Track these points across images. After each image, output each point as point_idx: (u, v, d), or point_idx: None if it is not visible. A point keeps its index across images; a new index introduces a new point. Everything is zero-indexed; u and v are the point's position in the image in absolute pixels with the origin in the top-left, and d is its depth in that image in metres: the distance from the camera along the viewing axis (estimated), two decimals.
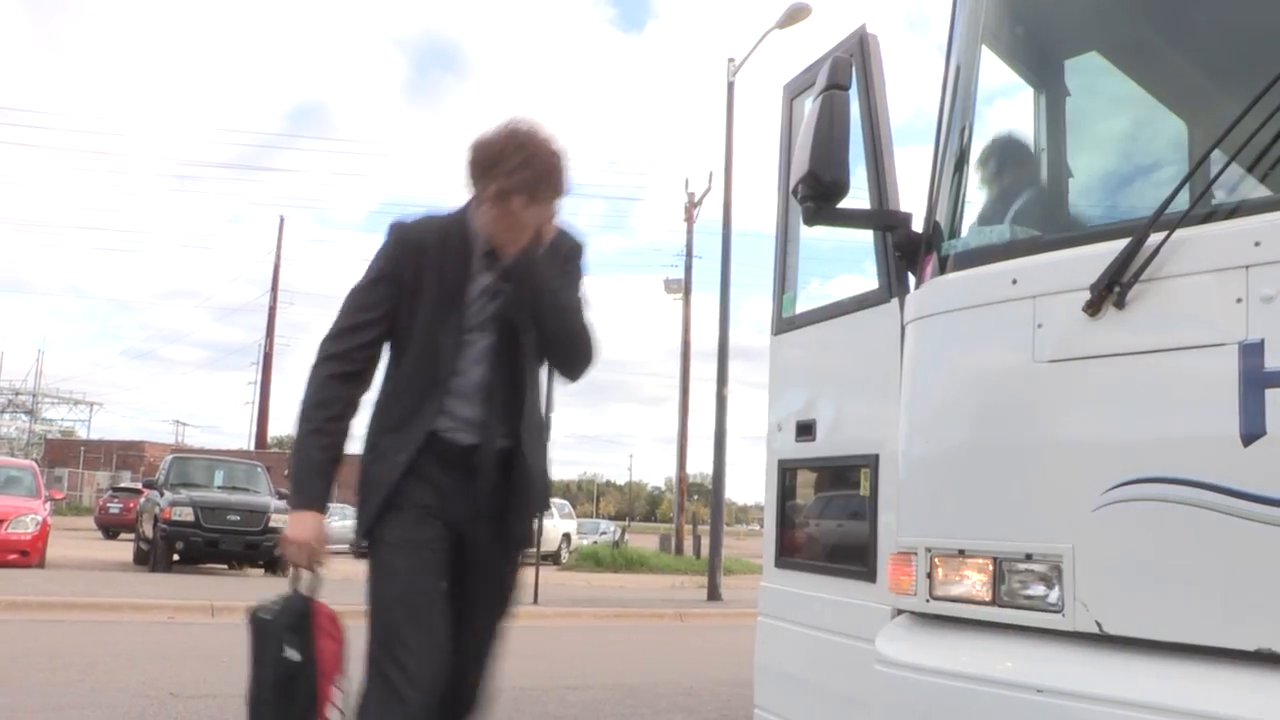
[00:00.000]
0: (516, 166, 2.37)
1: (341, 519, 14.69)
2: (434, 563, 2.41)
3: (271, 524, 15.66)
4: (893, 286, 3.01)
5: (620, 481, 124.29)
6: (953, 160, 2.67)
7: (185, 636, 8.60)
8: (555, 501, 25.91)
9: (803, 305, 3.70)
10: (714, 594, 16.34)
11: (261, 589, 13.01)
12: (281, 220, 62.09)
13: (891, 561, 2.61)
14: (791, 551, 3.60)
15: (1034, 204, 2.85)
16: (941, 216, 2.65)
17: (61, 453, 51.37)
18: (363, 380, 2.52)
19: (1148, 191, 2.50)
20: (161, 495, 15.92)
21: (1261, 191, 2.05)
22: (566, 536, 28.29)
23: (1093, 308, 2.11)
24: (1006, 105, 3.05)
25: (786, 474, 3.64)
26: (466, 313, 2.48)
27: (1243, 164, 2.05)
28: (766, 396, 3.81)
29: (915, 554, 2.44)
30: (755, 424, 4.54)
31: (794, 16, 17.17)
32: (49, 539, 14.51)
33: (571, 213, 2.55)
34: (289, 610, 2.43)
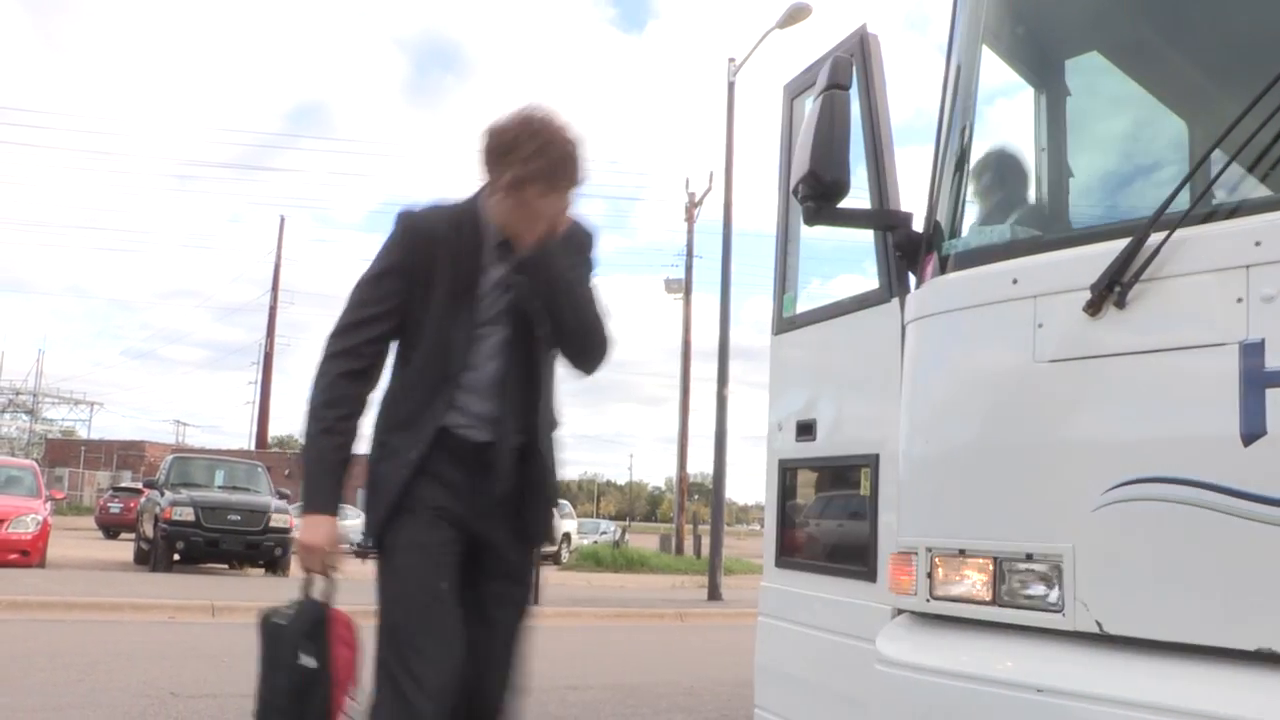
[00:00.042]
0: (532, 154, 2.29)
1: (342, 518, 14.64)
2: (446, 566, 2.34)
3: (272, 524, 15.69)
4: (893, 286, 3.01)
5: (620, 481, 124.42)
6: (953, 160, 2.66)
7: (186, 636, 8.60)
8: None
9: (803, 305, 3.70)
10: (714, 594, 16.34)
11: (262, 589, 13.04)
12: (282, 220, 62.21)
13: (892, 561, 2.61)
14: (792, 551, 3.60)
15: (1034, 204, 2.85)
16: (942, 216, 2.65)
17: (62, 452, 51.38)
18: (372, 376, 2.44)
19: (1148, 191, 2.50)
20: (162, 495, 15.93)
21: (1262, 191, 2.05)
22: (567, 536, 28.28)
23: (1093, 308, 2.11)
24: (1007, 105, 3.05)
25: (787, 474, 3.64)
26: (479, 306, 2.41)
27: (1243, 164, 2.05)
28: (767, 396, 3.82)
29: (916, 554, 2.44)
30: (755, 424, 4.53)
31: (794, 16, 17.17)
32: (49, 539, 14.51)
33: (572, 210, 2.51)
34: (304, 616, 2.35)
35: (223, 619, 9.84)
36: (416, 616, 2.29)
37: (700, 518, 30.81)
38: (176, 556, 15.07)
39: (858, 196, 2.85)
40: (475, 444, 2.39)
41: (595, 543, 30.39)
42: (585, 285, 2.48)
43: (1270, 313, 1.88)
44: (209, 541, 15.11)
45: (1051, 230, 2.74)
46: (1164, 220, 2.04)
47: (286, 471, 40.00)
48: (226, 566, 16.18)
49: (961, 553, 2.33)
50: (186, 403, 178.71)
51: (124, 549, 20.58)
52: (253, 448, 44.69)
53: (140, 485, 26.25)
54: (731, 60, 18.54)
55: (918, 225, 2.78)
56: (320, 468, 2.39)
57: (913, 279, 2.81)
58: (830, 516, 3.51)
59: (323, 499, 2.38)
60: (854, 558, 3.15)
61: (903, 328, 2.72)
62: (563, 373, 2.54)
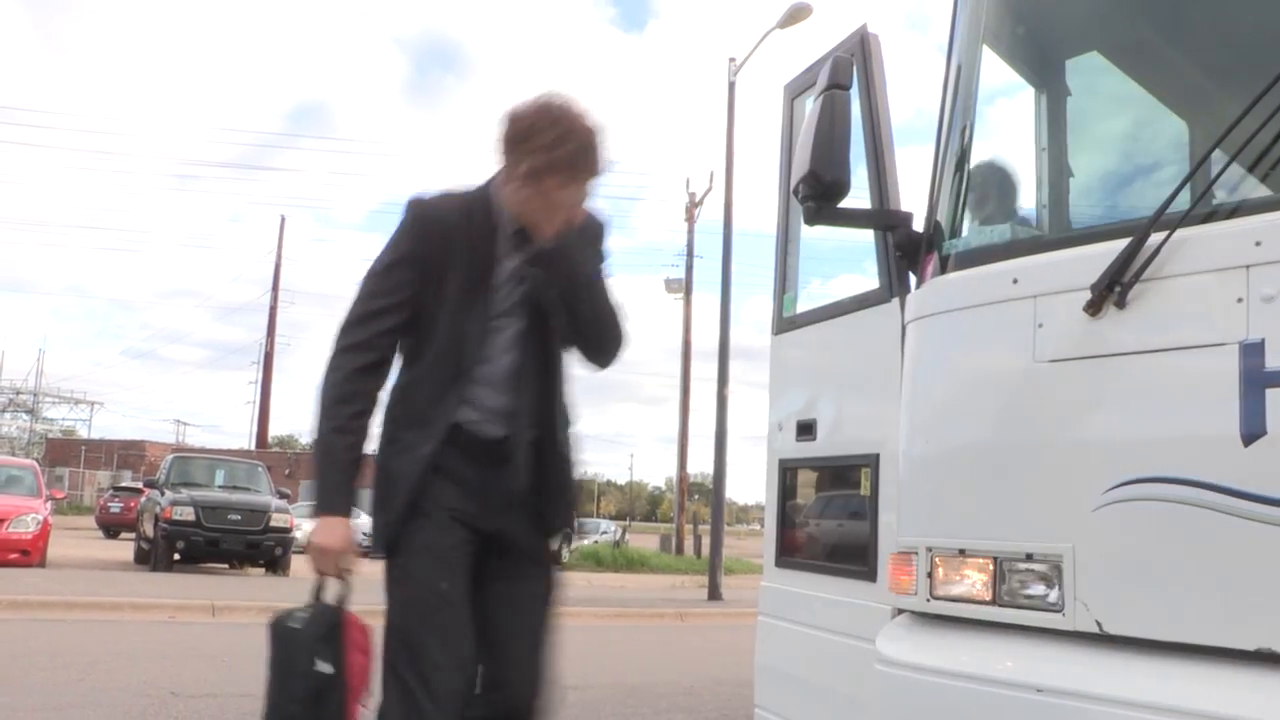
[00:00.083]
0: (552, 143, 2.21)
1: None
2: (457, 571, 2.27)
3: (272, 524, 15.70)
4: (893, 286, 3.01)
5: (621, 481, 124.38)
6: (953, 160, 2.67)
7: (186, 636, 8.60)
8: None
9: (803, 305, 3.71)
10: (714, 594, 16.34)
11: (262, 589, 13.00)
12: (282, 220, 62.25)
13: (892, 561, 2.61)
14: (792, 551, 3.61)
15: (1035, 204, 2.85)
16: (942, 216, 2.65)
17: (62, 452, 51.41)
18: (384, 370, 2.35)
19: (1148, 191, 2.50)
20: (162, 494, 15.93)
21: (1262, 191, 2.05)
22: (567, 536, 28.23)
23: (1093, 307, 2.11)
24: (1007, 105, 3.05)
25: (787, 474, 3.64)
26: (493, 297, 2.33)
27: (1243, 164, 2.05)
28: (767, 396, 3.82)
29: (916, 554, 2.44)
30: (756, 424, 4.53)
31: (795, 16, 17.17)
32: (50, 538, 14.52)
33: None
34: (319, 621, 2.27)
35: (223, 619, 9.84)
36: (426, 622, 2.22)
37: (700, 518, 30.84)
38: (177, 556, 15.08)
39: (858, 196, 2.86)
40: (489, 439, 2.33)
41: (595, 542, 30.37)
42: (601, 278, 2.41)
43: (1270, 313, 1.88)
44: (209, 541, 15.11)
45: (1051, 230, 2.74)
46: (1164, 220, 2.04)
47: (287, 471, 40.03)
48: (227, 566, 16.19)
49: (961, 553, 2.33)
50: (187, 402, 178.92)
51: (124, 548, 20.58)
52: (253, 447, 44.69)
53: (140, 485, 26.26)
54: (732, 60, 18.55)
55: (918, 225, 2.78)
56: (334, 467, 2.31)
57: (913, 279, 2.81)
58: (830, 516, 3.51)
59: (337, 499, 2.29)
60: (854, 557, 3.15)
61: (903, 328, 2.72)
62: (576, 368, 2.49)
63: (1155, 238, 2.03)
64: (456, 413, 2.31)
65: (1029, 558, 2.19)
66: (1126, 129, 2.93)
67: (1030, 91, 2.98)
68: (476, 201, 2.36)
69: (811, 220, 2.75)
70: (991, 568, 2.26)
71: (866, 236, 3.20)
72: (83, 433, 59.66)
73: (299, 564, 17.14)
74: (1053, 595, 2.14)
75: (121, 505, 29.02)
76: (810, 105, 2.93)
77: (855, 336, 3.24)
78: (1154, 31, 2.74)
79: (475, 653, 2.27)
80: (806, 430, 3.48)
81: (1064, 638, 2.12)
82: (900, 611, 2.55)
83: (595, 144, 2.27)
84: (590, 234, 2.41)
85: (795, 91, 3.78)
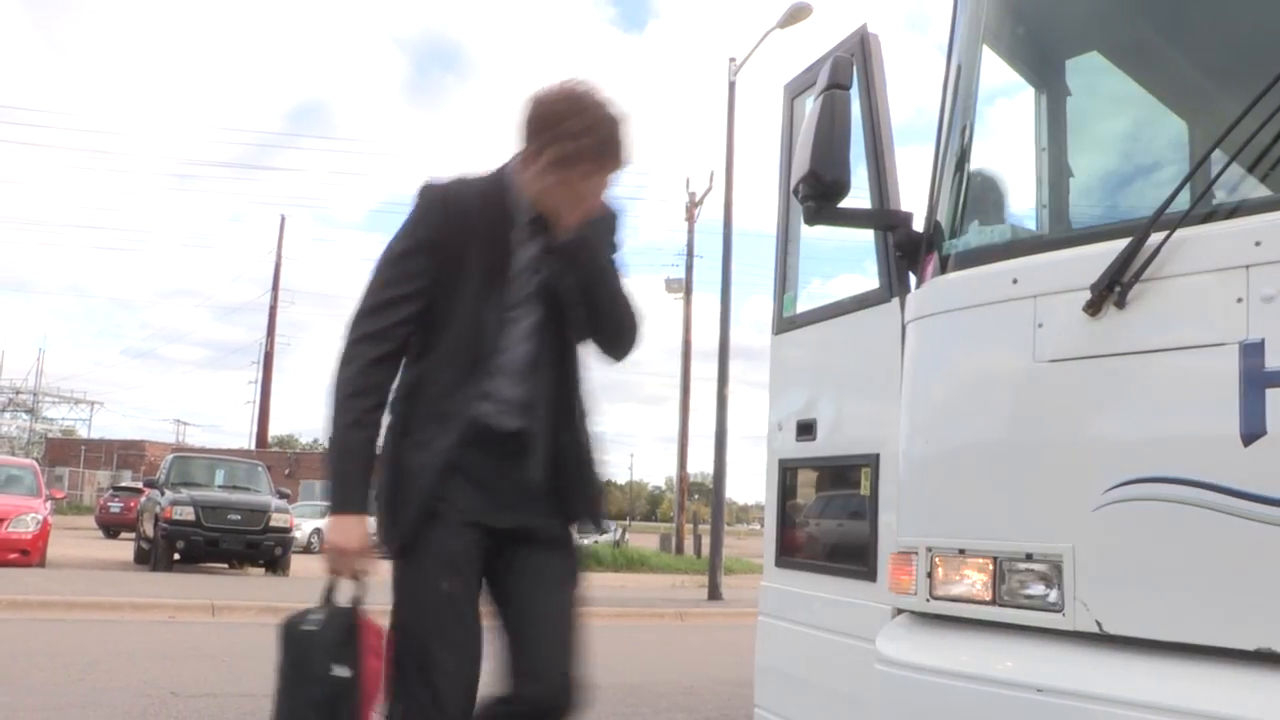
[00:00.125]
0: (581, 131, 2.13)
1: None
2: (468, 575, 2.21)
3: (272, 523, 15.71)
4: (893, 286, 3.01)
5: (621, 481, 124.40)
6: (953, 160, 2.67)
7: (186, 636, 8.60)
8: None
9: (803, 305, 3.71)
10: (714, 593, 16.35)
11: (262, 588, 12.99)
12: (282, 219, 62.21)
13: (892, 561, 2.61)
14: (792, 551, 3.61)
15: (1035, 204, 2.85)
16: (942, 216, 2.65)
17: (62, 452, 51.40)
18: (399, 362, 2.26)
19: (1148, 191, 2.50)
20: (162, 494, 15.94)
21: (1261, 191, 2.05)
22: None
23: (1093, 307, 2.11)
24: (1007, 105, 3.06)
25: (787, 473, 3.64)
26: (511, 287, 2.26)
27: (1243, 164, 2.05)
28: (767, 396, 3.82)
29: (916, 553, 2.44)
30: (755, 424, 4.53)
31: (795, 16, 17.18)
32: (49, 538, 14.52)
33: None
34: (336, 624, 2.18)
35: (223, 618, 9.84)
36: (437, 630, 2.16)
37: (700, 517, 30.83)
38: (176, 556, 15.09)
39: (858, 196, 2.86)
40: (506, 432, 2.26)
41: (595, 542, 30.37)
42: (618, 269, 2.36)
43: (1270, 313, 1.88)
44: (209, 541, 15.12)
45: (1051, 230, 2.74)
46: (1164, 220, 2.04)
47: (287, 471, 40.05)
48: (226, 566, 16.20)
49: (961, 552, 2.33)
50: (187, 402, 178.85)
51: (124, 548, 20.59)
52: (253, 447, 44.70)
53: (140, 484, 26.27)
54: (732, 60, 18.55)
55: (918, 225, 2.78)
56: (350, 464, 2.21)
57: (913, 279, 2.81)
58: (830, 516, 3.51)
59: (354, 497, 2.20)
60: (854, 557, 3.15)
61: (903, 328, 2.72)
62: (591, 360, 2.42)
63: (1155, 238, 2.04)
64: (474, 406, 2.23)
65: (1029, 558, 2.20)
66: (1126, 129, 2.93)
67: (1030, 91, 2.98)
68: (492, 187, 2.29)
69: (811, 220, 2.75)
70: (991, 568, 2.26)
71: (866, 236, 3.20)
72: (82, 432, 59.72)
73: (299, 564, 17.18)
74: (1052, 595, 2.14)
75: (121, 505, 29.02)
76: (810, 105, 2.93)
77: (855, 336, 3.24)
78: (1154, 31, 2.74)
79: (480, 658, 2.21)
80: (806, 430, 3.48)
81: (1064, 638, 2.12)
82: (900, 611, 2.55)
83: (622, 134, 2.20)
84: (606, 224, 2.35)
85: (795, 91, 3.78)
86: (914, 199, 2.92)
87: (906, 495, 2.59)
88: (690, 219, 29.95)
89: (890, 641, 2.44)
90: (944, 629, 2.36)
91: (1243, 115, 1.99)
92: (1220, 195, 2.08)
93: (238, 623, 9.53)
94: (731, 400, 17.66)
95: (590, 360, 2.41)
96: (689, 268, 30.34)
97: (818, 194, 2.64)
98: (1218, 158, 2.09)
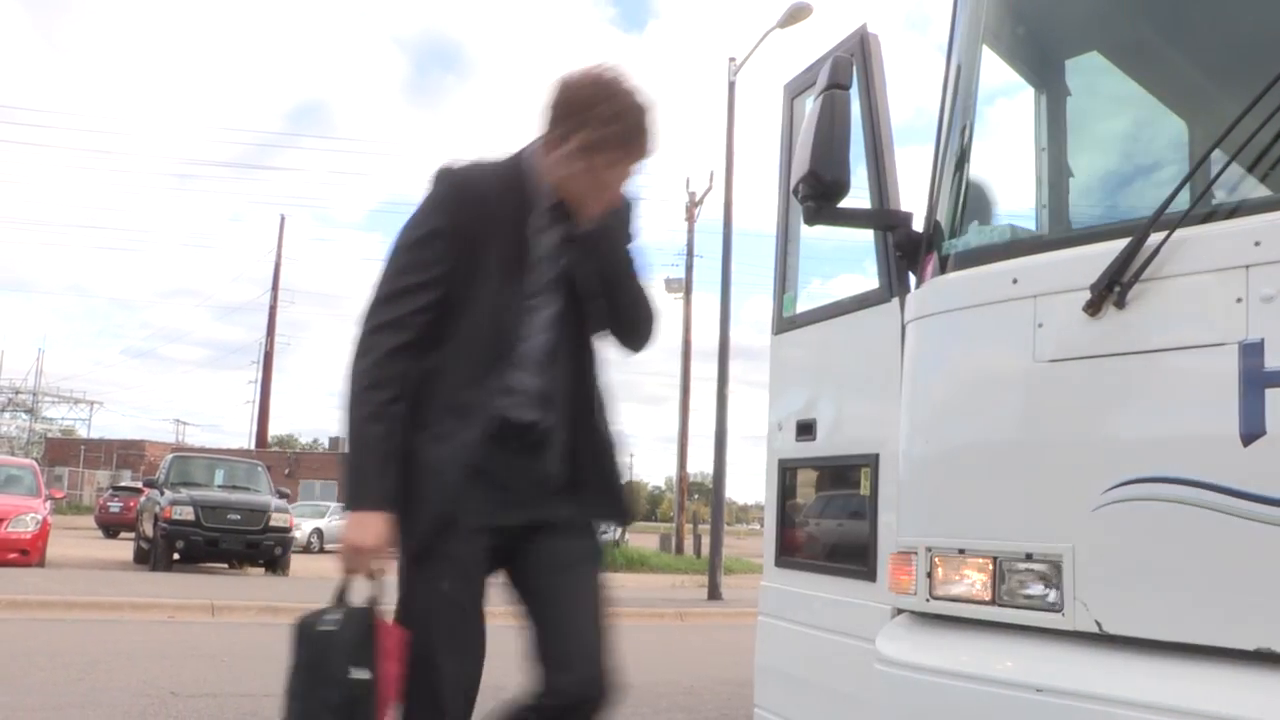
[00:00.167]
0: (609, 118, 2.08)
1: (335, 516, 14.67)
2: (477, 581, 2.17)
3: (272, 523, 15.72)
4: (893, 286, 3.01)
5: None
6: (953, 160, 2.67)
7: (185, 635, 8.60)
8: None
9: (803, 305, 3.71)
10: (714, 593, 16.35)
11: (262, 588, 12.97)
12: (282, 219, 62.04)
13: (891, 561, 2.61)
14: (792, 551, 3.61)
15: (1034, 204, 2.85)
16: (942, 216, 2.65)
17: (62, 451, 51.41)
18: (417, 352, 2.15)
19: (1148, 191, 2.51)
20: (162, 494, 15.95)
21: (1261, 191, 2.05)
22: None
23: (1093, 307, 2.11)
24: (1007, 105, 3.06)
25: (787, 473, 3.64)
26: (530, 275, 2.20)
27: (1243, 164, 2.05)
28: (767, 396, 3.82)
29: (915, 553, 2.44)
30: (755, 424, 4.53)
31: (795, 16, 17.18)
32: (49, 538, 14.52)
33: None
34: (354, 625, 2.10)
35: (222, 618, 9.84)
36: (439, 630, 2.13)
37: (700, 517, 30.84)
38: (176, 556, 15.09)
39: (858, 196, 2.86)
40: (524, 424, 2.20)
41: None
42: (636, 260, 2.31)
43: (1270, 313, 1.88)
44: (209, 541, 15.13)
45: (1051, 230, 2.74)
46: (1164, 220, 2.04)
47: (286, 471, 40.06)
48: (226, 566, 16.20)
49: (961, 552, 2.33)
50: (186, 402, 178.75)
51: (124, 548, 20.58)
52: (253, 447, 44.70)
53: (140, 484, 26.27)
54: (732, 60, 18.56)
55: (918, 225, 2.78)
56: (368, 458, 2.12)
57: (913, 279, 2.81)
58: (830, 516, 3.51)
59: (372, 493, 2.11)
60: (854, 557, 3.15)
61: (903, 327, 2.72)
62: (609, 351, 2.38)
63: (1155, 238, 2.04)
64: (496, 400, 2.17)
65: (1029, 558, 2.20)
66: (1126, 129, 2.93)
67: (1030, 91, 2.98)
68: (510, 171, 2.22)
69: (811, 220, 2.75)
70: (991, 567, 2.26)
71: (866, 236, 3.20)
72: (82, 432, 59.74)
73: (299, 564, 17.18)
74: (1052, 595, 2.14)
75: (121, 505, 29.01)
76: (810, 105, 2.93)
77: (855, 336, 3.24)
78: (1154, 31, 2.74)
79: (482, 660, 2.19)
80: (806, 430, 3.48)
81: (1063, 637, 2.12)
82: (900, 611, 2.55)
83: (650, 123, 2.15)
84: (623, 213, 2.30)
85: (795, 91, 3.78)
86: (914, 199, 2.92)
87: (906, 495, 2.59)
88: (690, 219, 29.96)
89: (890, 641, 2.44)
90: (944, 629, 2.36)
91: (1243, 115, 1.99)
92: (1220, 195, 2.08)
93: (237, 623, 9.54)
94: (731, 400, 17.69)
95: (607, 352, 2.36)
96: (689, 267, 30.36)
97: (818, 194, 2.64)
98: (1217, 158, 2.09)
